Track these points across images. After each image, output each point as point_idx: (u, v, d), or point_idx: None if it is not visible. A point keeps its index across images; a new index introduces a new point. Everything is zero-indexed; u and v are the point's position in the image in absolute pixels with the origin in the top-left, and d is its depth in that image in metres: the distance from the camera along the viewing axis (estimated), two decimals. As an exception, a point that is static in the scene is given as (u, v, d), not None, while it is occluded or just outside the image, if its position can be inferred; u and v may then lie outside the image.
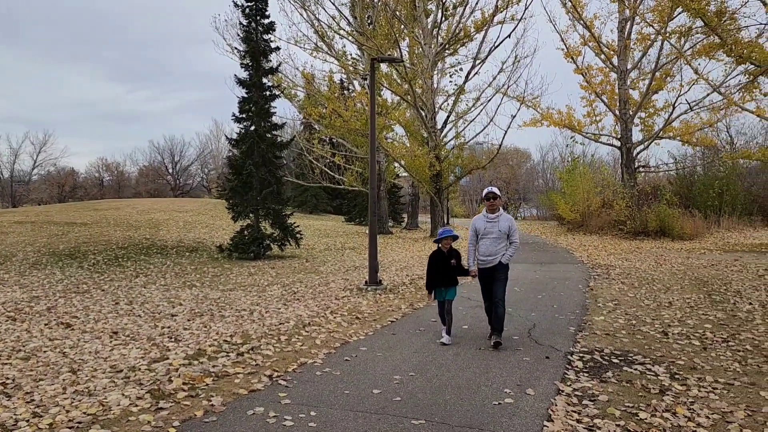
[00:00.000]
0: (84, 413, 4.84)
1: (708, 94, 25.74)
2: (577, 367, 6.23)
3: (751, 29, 19.86)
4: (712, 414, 4.83)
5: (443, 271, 7.36)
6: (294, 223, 20.77)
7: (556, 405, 5.03)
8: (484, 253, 7.30)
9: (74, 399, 5.25)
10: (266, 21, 20.48)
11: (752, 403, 5.10)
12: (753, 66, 18.98)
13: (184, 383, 5.58)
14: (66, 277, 14.67)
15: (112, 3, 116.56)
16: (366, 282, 12.78)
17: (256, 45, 20.11)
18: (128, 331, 8.51)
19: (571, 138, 35.68)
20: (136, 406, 5.01)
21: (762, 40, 19.32)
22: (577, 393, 5.38)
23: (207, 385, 5.61)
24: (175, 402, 5.11)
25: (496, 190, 7.27)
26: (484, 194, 7.39)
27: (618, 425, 4.59)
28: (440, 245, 7.46)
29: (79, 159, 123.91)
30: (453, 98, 30.64)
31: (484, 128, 35.60)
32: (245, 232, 19.67)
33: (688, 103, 26.94)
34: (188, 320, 9.38)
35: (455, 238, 7.48)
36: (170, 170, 78.48)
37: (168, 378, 5.77)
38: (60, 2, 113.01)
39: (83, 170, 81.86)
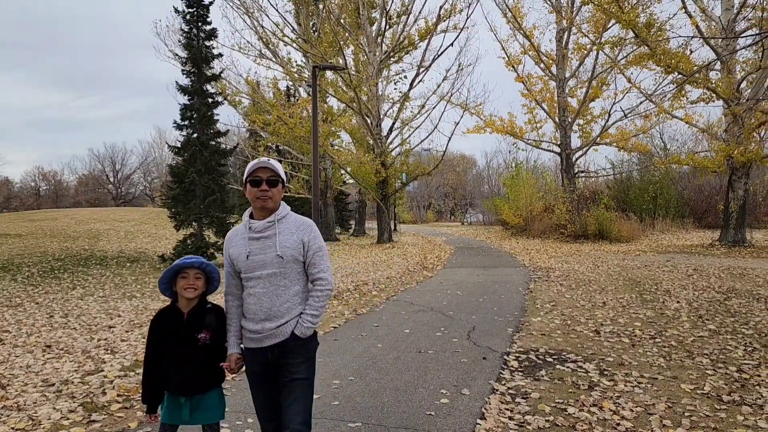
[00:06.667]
0: (12, 428, 4.71)
1: (641, 102, 26.73)
2: (512, 366, 6.42)
3: (679, 39, 20.80)
4: (636, 407, 5.07)
5: (182, 356, 3.18)
6: (239, 231, 20.55)
7: (489, 404, 5.18)
8: (256, 316, 3.17)
9: (2, 414, 5.09)
10: (208, 27, 20.33)
11: (673, 396, 5.38)
12: (680, 75, 19.93)
13: (118, 395, 5.49)
14: (-3, 291, 14.13)
15: (52, 9, 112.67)
16: (310, 289, 12.75)
17: (197, 51, 19.89)
18: (62, 345, 8.27)
19: (513, 144, 36.59)
20: (68, 419, 4.90)
21: (688, 51, 20.32)
22: (510, 391, 5.55)
23: (143, 396, 5.52)
24: (108, 414, 5.02)
25: (275, 163, 3.23)
26: (248, 170, 3.21)
27: (547, 420, 4.77)
28: (174, 297, 3.27)
29: (13, 168, 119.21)
30: (398, 105, 30.97)
31: (429, 135, 36.21)
32: (188, 241, 19.37)
33: (623, 111, 28.03)
34: (126, 331, 9.18)
35: (209, 274, 3.28)
36: (111, 179, 76.27)
37: (102, 390, 5.66)
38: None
39: (18, 179, 78.78)
